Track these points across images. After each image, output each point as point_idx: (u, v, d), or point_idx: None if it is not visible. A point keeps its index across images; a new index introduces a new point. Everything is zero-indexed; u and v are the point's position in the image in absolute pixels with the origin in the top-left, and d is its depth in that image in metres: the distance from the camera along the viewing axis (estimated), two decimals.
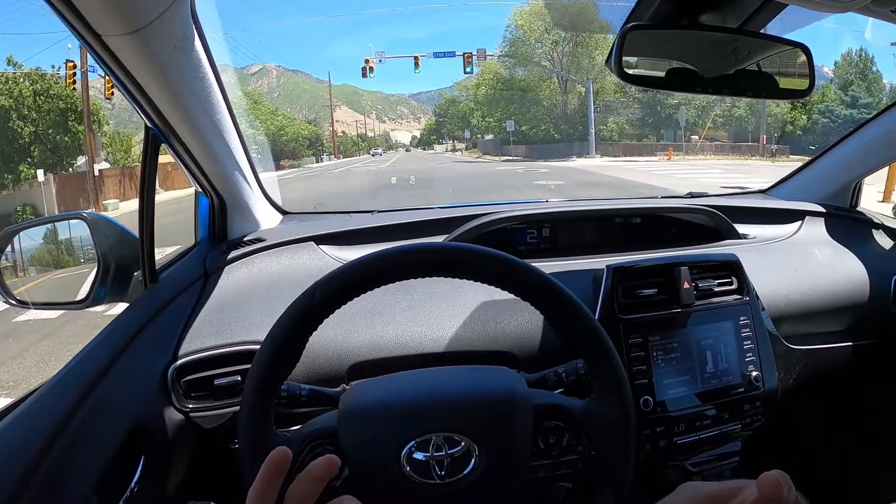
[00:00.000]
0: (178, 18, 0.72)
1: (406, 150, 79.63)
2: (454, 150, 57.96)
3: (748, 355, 0.98)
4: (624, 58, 0.81)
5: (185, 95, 0.82)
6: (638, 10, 0.84)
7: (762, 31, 0.89)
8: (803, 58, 0.91)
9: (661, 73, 0.93)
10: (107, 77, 0.90)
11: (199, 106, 0.87)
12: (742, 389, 0.97)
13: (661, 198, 1.46)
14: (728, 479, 1.02)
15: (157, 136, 0.88)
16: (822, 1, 0.71)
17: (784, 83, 0.94)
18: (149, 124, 0.87)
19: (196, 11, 0.78)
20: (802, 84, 0.93)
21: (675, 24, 0.84)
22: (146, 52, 0.71)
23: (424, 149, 77.03)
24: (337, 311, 0.62)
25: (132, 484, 0.78)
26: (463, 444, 0.62)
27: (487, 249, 0.62)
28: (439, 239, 1.14)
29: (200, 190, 1.05)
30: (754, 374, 0.97)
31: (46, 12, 0.64)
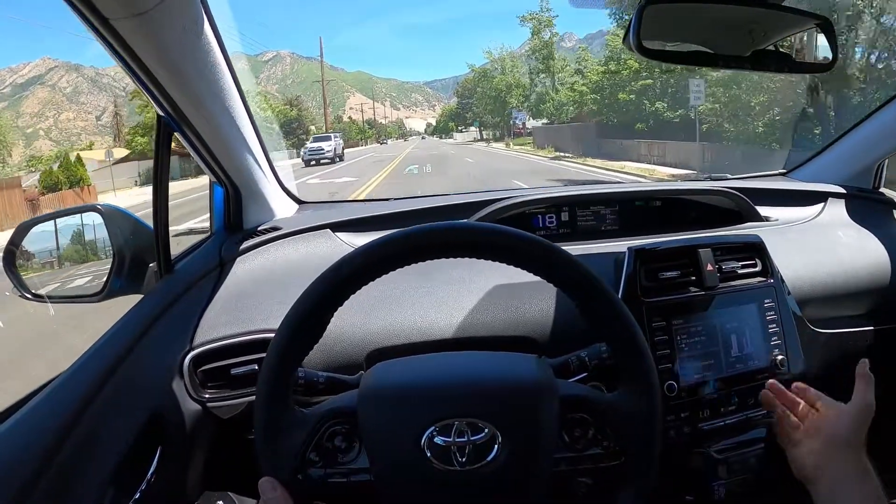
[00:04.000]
0: (185, 0, 0.71)
1: (421, 139, 77.12)
2: (484, 139, 45.29)
3: (773, 339, 0.96)
4: (642, 32, 0.79)
5: (196, 81, 0.82)
6: None
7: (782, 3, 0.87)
8: (824, 31, 0.89)
9: (680, 48, 0.92)
10: None
11: (210, 92, 0.86)
12: (767, 373, 0.94)
13: (681, 180, 1.44)
14: (753, 466, 1.00)
15: (169, 125, 0.88)
16: None
17: (804, 56, 0.92)
18: (160, 113, 0.86)
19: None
20: (825, 57, 0.91)
21: None
22: (154, 34, 0.70)
23: (441, 137, 70.97)
24: (354, 297, 0.61)
25: (149, 474, 0.78)
26: (486, 431, 0.60)
27: (520, 232, 0.61)
28: None
29: (214, 179, 1.05)
30: (779, 357, 0.95)
31: None
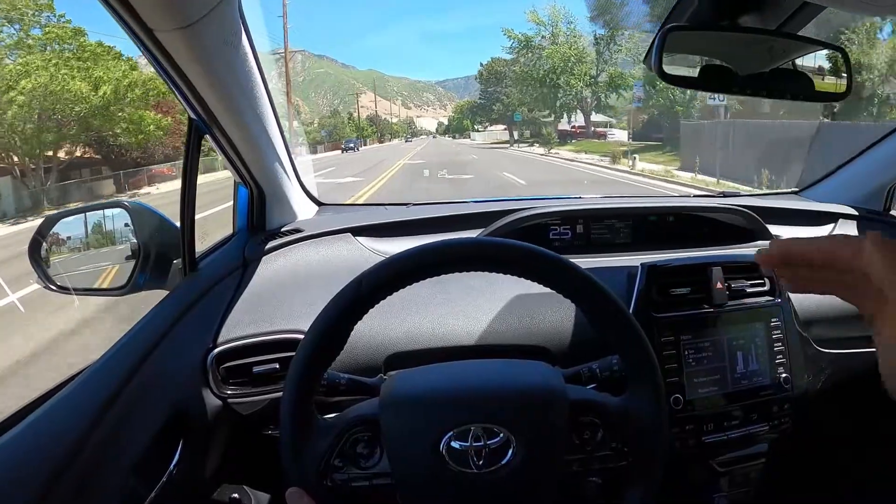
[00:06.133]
0: (227, 13, 0.74)
1: (433, 138, 72.42)
2: (515, 140, 33.43)
3: (778, 357, 0.98)
4: (664, 58, 0.81)
5: (232, 88, 0.85)
6: (677, 9, 0.85)
7: (799, 33, 0.90)
8: (840, 61, 0.92)
9: (698, 73, 0.94)
10: None
11: (245, 99, 0.89)
12: (771, 391, 0.97)
13: (694, 196, 1.46)
14: (755, 480, 1.02)
15: (200, 128, 0.91)
16: (858, 4, 0.71)
17: (820, 85, 0.94)
18: (193, 116, 0.89)
19: (242, 6, 0.80)
20: (840, 87, 0.93)
21: (714, 26, 0.85)
22: (196, 46, 0.73)
23: (454, 137, 62.24)
24: None
25: (171, 467, 0.80)
26: (502, 435, 0.63)
27: (535, 248, 0.64)
28: (475, 233, 1.16)
29: (240, 180, 1.08)
30: (783, 375, 0.97)
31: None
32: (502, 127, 42.28)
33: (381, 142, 62.27)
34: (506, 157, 22.50)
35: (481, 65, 46.21)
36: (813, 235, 1.27)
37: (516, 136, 34.84)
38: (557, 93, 27.31)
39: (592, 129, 27.06)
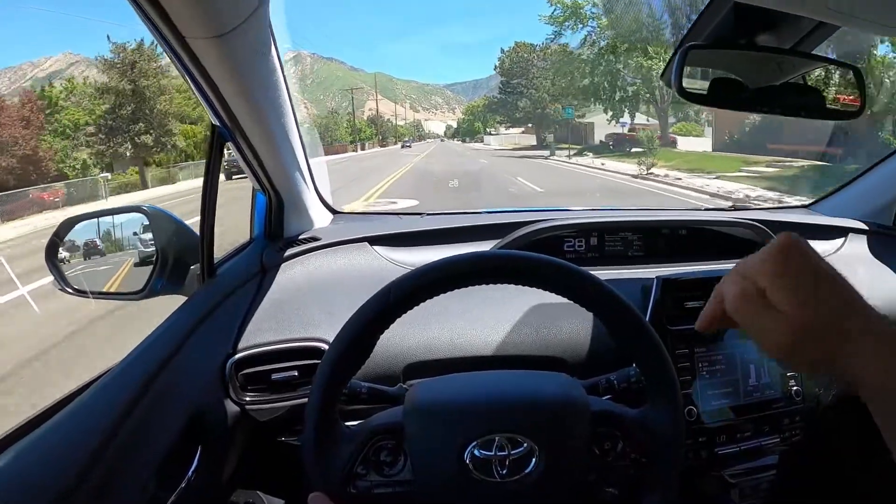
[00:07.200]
0: (259, 25, 0.75)
1: (440, 141, 68.50)
2: (542, 145, 26.39)
3: (790, 370, 0.99)
4: (683, 75, 0.83)
5: (258, 97, 0.86)
6: (696, 28, 0.86)
7: (814, 52, 0.91)
8: (854, 80, 0.93)
9: (710, 89, 0.95)
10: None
11: (270, 107, 0.90)
12: (783, 404, 0.98)
13: (705, 210, 1.48)
14: (765, 491, 1.03)
15: (222, 135, 0.92)
16: (873, 24, 0.73)
17: (834, 103, 0.96)
18: (216, 122, 0.90)
19: (271, 18, 0.81)
20: (853, 105, 0.94)
21: (732, 45, 0.86)
22: (228, 55, 0.74)
23: (465, 140, 54.33)
24: None
25: (189, 472, 0.80)
26: (525, 445, 0.64)
27: (556, 260, 0.65)
28: (490, 244, 1.17)
29: (258, 187, 1.08)
30: (795, 388, 0.99)
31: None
32: (520, 130, 35.50)
33: (382, 145, 54.45)
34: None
35: (502, 51, 37.31)
36: (823, 249, 1.28)
37: (543, 141, 27.23)
38: (617, 81, 20.22)
39: (669, 133, 19.41)
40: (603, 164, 17.23)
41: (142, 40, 23.56)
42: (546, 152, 23.86)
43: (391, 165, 20.01)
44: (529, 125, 34.08)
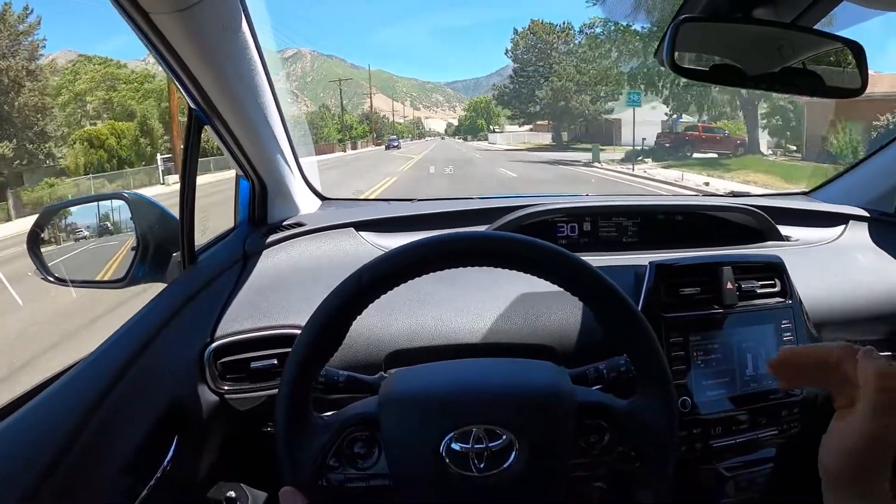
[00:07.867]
0: None
1: (440, 139, 67.95)
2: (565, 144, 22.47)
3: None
4: (676, 50, 0.79)
5: (231, 77, 0.83)
6: (690, 1, 0.83)
7: (815, 27, 0.88)
8: (855, 56, 0.89)
9: (709, 66, 0.92)
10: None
11: (244, 88, 0.87)
12: (780, 395, 0.95)
13: (703, 196, 1.44)
14: (761, 485, 1.00)
15: (199, 118, 0.89)
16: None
17: (834, 80, 0.92)
18: (192, 105, 0.87)
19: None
20: (854, 83, 0.91)
21: (728, 18, 0.83)
22: (194, 30, 0.71)
23: (467, 139, 52.44)
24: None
25: (165, 462, 0.78)
26: (504, 437, 0.61)
27: (542, 242, 0.61)
28: (480, 229, 1.14)
29: (241, 173, 1.06)
30: None
31: None
32: (528, 127, 30.28)
33: (377, 144, 47.73)
34: None
35: (515, 32, 31.95)
36: (823, 236, 1.25)
37: (563, 141, 22.02)
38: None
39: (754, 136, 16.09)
40: (708, 184, 12.06)
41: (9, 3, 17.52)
42: (572, 154, 19.56)
43: (368, 173, 16.11)
44: (539, 122, 29.44)
